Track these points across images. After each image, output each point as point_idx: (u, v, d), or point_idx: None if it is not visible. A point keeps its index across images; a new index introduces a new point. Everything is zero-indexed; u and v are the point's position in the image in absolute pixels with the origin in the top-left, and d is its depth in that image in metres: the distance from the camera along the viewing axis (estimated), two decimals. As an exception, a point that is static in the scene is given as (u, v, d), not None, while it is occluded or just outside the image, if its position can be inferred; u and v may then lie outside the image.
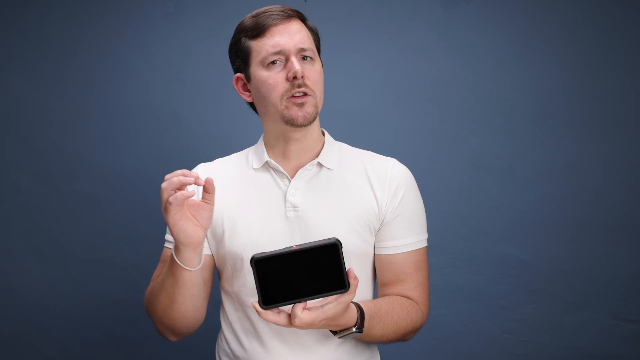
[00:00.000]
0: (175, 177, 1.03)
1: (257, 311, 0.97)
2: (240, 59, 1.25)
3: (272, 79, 1.19)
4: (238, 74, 1.27)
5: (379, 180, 1.25)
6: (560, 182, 1.79)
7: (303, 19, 1.25)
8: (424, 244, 1.29)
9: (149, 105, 1.90)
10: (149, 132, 1.90)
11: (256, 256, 0.94)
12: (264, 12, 1.22)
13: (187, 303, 1.19)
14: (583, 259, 1.78)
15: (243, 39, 1.24)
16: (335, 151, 1.29)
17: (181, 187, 1.04)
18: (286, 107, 1.19)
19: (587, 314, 1.78)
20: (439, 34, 1.83)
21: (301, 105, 1.18)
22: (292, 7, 1.24)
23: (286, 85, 1.18)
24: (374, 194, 1.24)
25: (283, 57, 1.19)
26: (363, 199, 1.24)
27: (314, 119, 1.21)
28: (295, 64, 1.17)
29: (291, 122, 1.19)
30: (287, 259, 0.94)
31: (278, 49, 1.19)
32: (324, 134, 1.31)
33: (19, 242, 1.93)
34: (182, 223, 1.06)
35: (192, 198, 1.08)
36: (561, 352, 1.79)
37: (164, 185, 1.03)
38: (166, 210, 1.05)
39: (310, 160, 1.26)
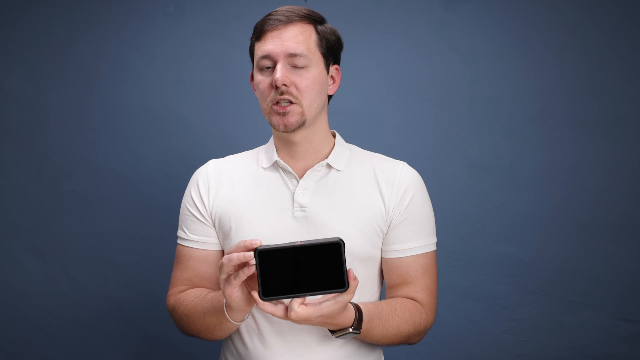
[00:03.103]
0: (236, 254, 1.00)
1: (255, 300, 0.99)
2: (251, 57, 1.27)
3: (262, 84, 1.21)
4: (252, 71, 1.28)
5: (387, 184, 1.25)
6: (560, 182, 1.79)
7: (315, 22, 1.23)
8: (432, 247, 1.28)
9: (149, 105, 1.90)
10: (149, 132, 1.90)
11: (260, 248, 0.96)
12: (270, 14, 1.21)
13: (225, 335, 1.21)
14: (583, 259, 1.78)
15: (252, 39, 1.25)
16: (345, 153, 1.29)
17: (241, 264, 1.02)
18: (270, 112, 1.21)
19: (587, 314, 1.78)
20: (439, 34, 1.83)
21: (283, 114, 1.19)
22: (305, 9, 1.22)
23: (271, 91, 1.19)
24: (382, 198, 1.24)
25: (272, 63, 1.20)
26: (371, 202, 1.24)
27: (299, 126, 1.20)
28: (278, 71, 1.17)
29: (275, 128, 1.21)
30: (290, 253, 0.96)
31: (266, 54, 1.19)
32: (334, 136, 1.31)
33: (19, 242, 1.93)
34: (239, 294, 1.05)
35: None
36: (561, 352, 1.79)
37: (224, 260, 1.01)
38: (228, 283, 1.03)
39: (319, 161, 1.26)
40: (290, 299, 0.99)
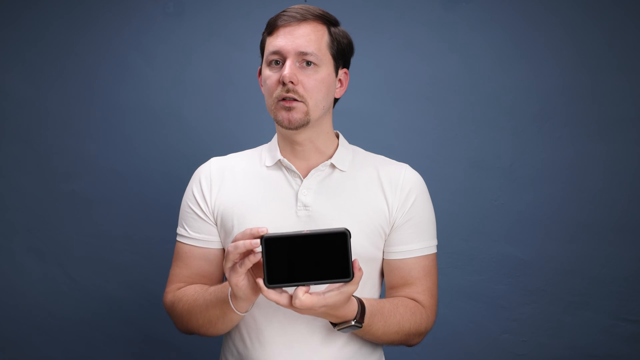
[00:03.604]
0: (242, 241, 1.00)
1: (260, 288, 0.99)
2: (261, 52, 1.27)
3: (270, 79, 1.21)
4: (260, 67, 1.28)
5: (390, 185, 1.26)
6: (560, 182, 1.79)
7: (328, 23, 1.23)
8: (433, 250, 1.28)
9: (149, 105, 1.90)
10: (149, 132, 1.90)
11: (266, 235, 0.97)
12: (285, 11, 1.22)
13: (227, 328, 1.20)
14: (583, 259, 1.78)
15: (264, 34, 1.26)
16: (349, 154, 1.30)
17: (247, 252, 1.02)
18: (276, 108, 1.20)
19: (587, 314, 1.78)
20: (439, 34, 1.83)
21: (288, 109, 1.19)
22: (320, 10, 1.23)
23: (278, 87, 1.19)
24: (385, 199, 1.25)
25: (282, 59, 1.20)
26: (374, 203, 1.24)
27: (303, 125, 1.20)
28: (287, 68, 1.17)
29: (279, 124, 1.21)
30: (296, 242, 0.96)
31: (276, 49, 1.19)
32: (338, 137, 1.32)
33: (19, 242, 1.93)
34: (245, 282, 1.05)
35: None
36: (561, 352, 1.79)
37: (230, 248, 1.02)
38: (234, 271, 1.03)
39: (323, 161, 1.26)
40: (294, 288, 0.99)
